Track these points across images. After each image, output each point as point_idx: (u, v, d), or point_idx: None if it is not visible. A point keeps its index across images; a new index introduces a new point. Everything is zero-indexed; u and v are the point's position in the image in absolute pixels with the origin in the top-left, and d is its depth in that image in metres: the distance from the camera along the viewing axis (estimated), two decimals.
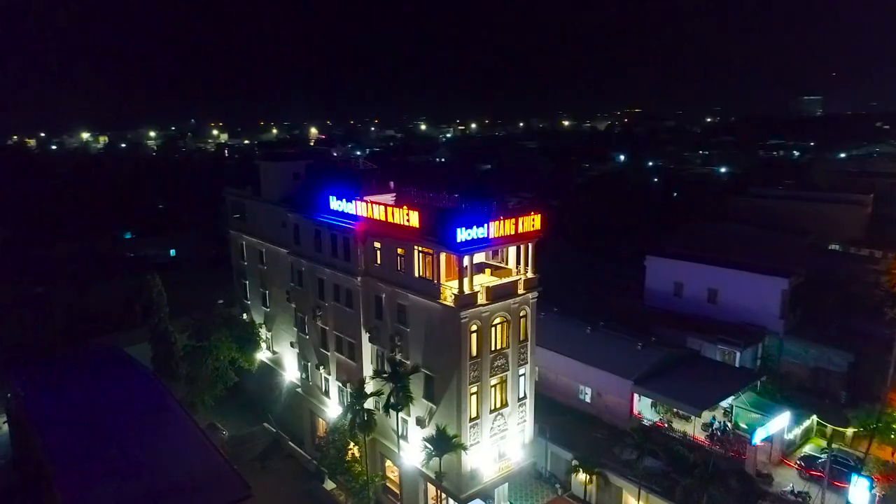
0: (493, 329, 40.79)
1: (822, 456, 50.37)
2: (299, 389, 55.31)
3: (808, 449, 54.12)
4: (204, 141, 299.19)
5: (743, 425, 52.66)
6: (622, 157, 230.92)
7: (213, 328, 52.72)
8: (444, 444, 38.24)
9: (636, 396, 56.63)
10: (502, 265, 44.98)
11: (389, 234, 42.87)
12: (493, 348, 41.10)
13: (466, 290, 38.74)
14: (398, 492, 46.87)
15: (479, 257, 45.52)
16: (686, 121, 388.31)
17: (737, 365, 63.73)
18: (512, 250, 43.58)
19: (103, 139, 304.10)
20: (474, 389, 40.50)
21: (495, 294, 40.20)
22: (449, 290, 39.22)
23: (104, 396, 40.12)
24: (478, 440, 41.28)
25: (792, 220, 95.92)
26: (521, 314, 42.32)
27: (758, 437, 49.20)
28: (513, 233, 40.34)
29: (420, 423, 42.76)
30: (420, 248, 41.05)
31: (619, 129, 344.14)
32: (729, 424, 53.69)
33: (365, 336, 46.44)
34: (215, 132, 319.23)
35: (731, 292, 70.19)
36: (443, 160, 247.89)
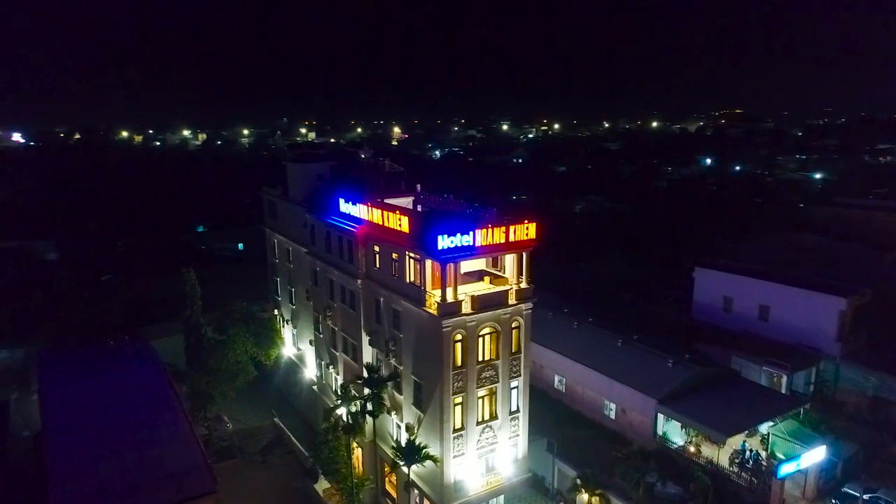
0: (479, 339, 39.73)
1: (865, 496, 46.03)
2: (315, 387, 56.37)
3: (847, 486, 49.32)
4: (292, 139, 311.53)
5: (780, 455, 48.84)
6: (707, 161, 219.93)
7: (231, 323, 54.69)
8: (412, 453, 37.69)
9: (661, 416, 53.75)
10: (502, 274, 43.77)
11: (385, 237, 42.72)
12: (480, 359, 40.03)
13: (450, 298, 37.95)
14: (396, 497, 46.75)
15: (479, 264, 44.64)
16: (791, 123, 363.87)
17: (783, 389, 59.19)
18: (509, 259, 42.28)
19: (202, 136, 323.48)
20: (459, 400, 39.62)
21: (482, 303, 39.10)
22: (433, 297, 38.55)
23: (111, 386, 42.57)
24: (462, 452, 40.36)
25: (880, 232, 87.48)
26: (514, 325, 40.96)
27: (784, 470, 45.40)
28: (503, 241, 39.08)
29: (409, 430, 42.35)
30: (410, 254, 40.63)
31: (711, 130, 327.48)
32: (762, 453, 49.92)
33: (365, 339, 46.61)
34: (303, 130, 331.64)
35: (783, 310, 65.30)
36: (519, 161, 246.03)
